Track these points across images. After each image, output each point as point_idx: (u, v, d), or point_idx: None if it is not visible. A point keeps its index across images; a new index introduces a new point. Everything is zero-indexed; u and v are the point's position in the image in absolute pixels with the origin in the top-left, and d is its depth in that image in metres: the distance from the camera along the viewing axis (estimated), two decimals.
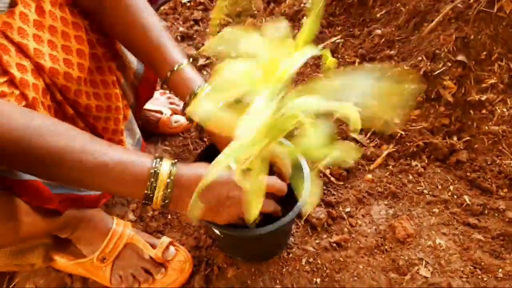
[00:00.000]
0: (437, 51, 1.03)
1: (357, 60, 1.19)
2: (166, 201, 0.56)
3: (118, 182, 0.54)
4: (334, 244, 0.86)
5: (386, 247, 0.85)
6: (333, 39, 1.25)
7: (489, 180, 0.94)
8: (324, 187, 0.95)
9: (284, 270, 0.83)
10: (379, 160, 0.99)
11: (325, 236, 0.87)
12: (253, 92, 0.43)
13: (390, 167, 0.99)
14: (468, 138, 0.99)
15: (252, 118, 0.40)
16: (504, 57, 1.00)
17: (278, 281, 0.82)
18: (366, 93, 0.41)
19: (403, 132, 1.01)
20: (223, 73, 0.43)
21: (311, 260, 0.84)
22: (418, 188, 0.95)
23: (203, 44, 1.30)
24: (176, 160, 0.58)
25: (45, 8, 0.60)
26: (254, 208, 0.51)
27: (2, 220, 0.58)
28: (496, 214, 0.89)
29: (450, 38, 1.02)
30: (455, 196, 0.92)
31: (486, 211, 0.90)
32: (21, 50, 0.58)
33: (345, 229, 0.88)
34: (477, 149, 0.98)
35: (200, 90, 0.66)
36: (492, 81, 1.00)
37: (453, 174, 0.97)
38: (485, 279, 0.79)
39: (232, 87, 0.43)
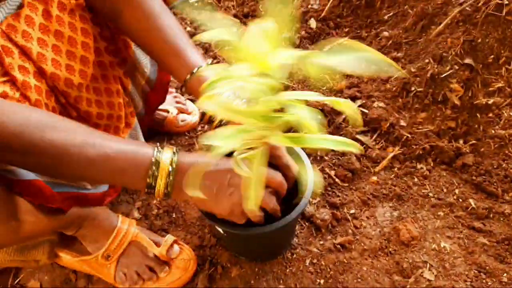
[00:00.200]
0: (444, 54, 1.03)
1: None
2: (168, 190, 0.56)
3: (119, 172, 0.54)
4: (338, 246, 0.86)
5: (390, 249, 0.85)
6: (340, 40, 1.24)
7: (494, 184, 0.93)
8: (329, 188, 0.95)
9: (287, 270, 0.83)
10: (384, 162, 0.99)
11: (329, 237, 0.87)
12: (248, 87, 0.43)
13: (396, 169, 0.98)
14: (474, 141, 0.99)
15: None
16: None
17: (281, 281, 0.82)
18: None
19: (409, 135, 1.00)
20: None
21: (314, 261, 0.84)
22: (423, 191, 0.94)
23: (209, 45, 1.30)
24: (177, 148, 0.58)
25: (52, 13, 0.60)
26: (253, 198, 0.51)
27: (4, 219, 0.58)
28: (502, 218, 0.88)
29: (457, 41, 1.02)
30: (460, 200, 0.92)
31: (491, 215, 0.89)
32: (25, 53, 0.59)
33: (349, 231, 0.88)
34: (483, 153, 0.97)
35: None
36: (499, 84, 1.00)
37: (459, 177, 0.96)
38: (489, 283, 0.79)
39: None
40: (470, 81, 1.01)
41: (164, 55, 0.69)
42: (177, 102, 1.11)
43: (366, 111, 1.05)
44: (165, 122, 1.07)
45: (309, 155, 1.00)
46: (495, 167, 0.95)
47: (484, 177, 0.94)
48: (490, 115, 1.00)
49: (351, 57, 0.40)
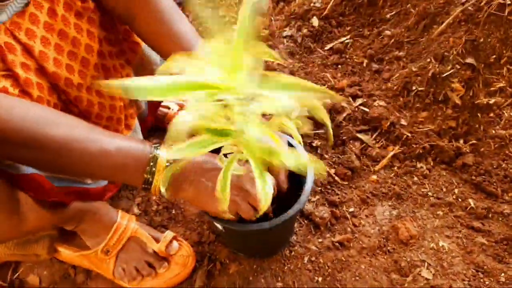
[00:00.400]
0: (446, 53, 1.03)
1: (365, 60, 1.18)
2: (166, 186, 0.56)
3: (119, 168, 0.55)
4: (337, 244, 0.86)
5: (388, 248, 0.85)
6: (342, 39, 1.25)
7: (494, 184, 0.93)
8: (328, 187, 0.95)
9: (286, 267, 0.83)
10: (384, 161, 0.99)
11: (328, 235, 0.88)
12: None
13: (395, 168, 0.98)
14: (474, 141, 0.99)
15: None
16: None
17: (279, 279, 0.82)
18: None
19: (409, 134, 1.00)
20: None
21: (313, 258, 0.84)
22: (422, 190, 0.94)
23: None
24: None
25: (58, 12, 0.61)
26: (224, 200, 0.52)
27: (6, 214, 0.59)
28: (501, 218, 0.88)
29: (459, 41, 1.02)
30: (460, 199, 0.92)
31: (490, 215, 0.89)
32: (27, 50, 0.59)
33: (348, 229, 0.88)
34: (483, 153, 0.97)
35: None
36: (501, 84, 0.99)
37: (459, 177, 0.96)
38: (487, 283, 0.79)
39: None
40: (471, 81, 1.01)
41: None
42: (178, 99, 1.11)
43: (367, 109, 1.05)
44: (166, 119, 1.07)
45: (308, 153, 1.00)
46: (495, 167, 0.95)
47: (484, 177, 0.94)
48: (491, 115, 1.00)
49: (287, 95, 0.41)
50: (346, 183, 0.96)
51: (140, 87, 0.40)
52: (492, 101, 0.99)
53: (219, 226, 0.68)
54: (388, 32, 1.20)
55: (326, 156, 1.00)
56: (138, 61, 0.81)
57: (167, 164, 0.56)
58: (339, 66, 1.20)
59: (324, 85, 1.13)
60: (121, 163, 0.55)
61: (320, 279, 0.82)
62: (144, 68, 0.83)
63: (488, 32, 1.00)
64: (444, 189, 0.94)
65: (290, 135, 0.56)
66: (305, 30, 1.25)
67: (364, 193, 0.94)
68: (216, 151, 0.57)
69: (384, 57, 1.17)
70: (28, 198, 0.62)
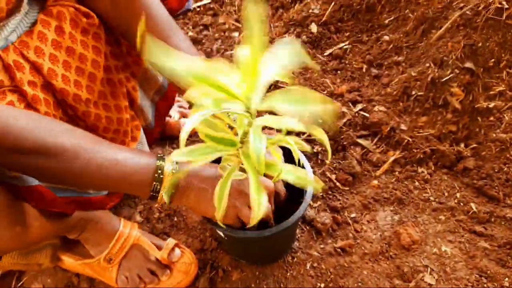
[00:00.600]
0: (445, 58, 1.03)
1: (365, 66, 1.19)
2: (170, 193, 0.58)
3: (125, 178, 0.56)
4: (339, 249, 0.86)
5: (391, 253, 0.85)
6: (341, 44, 1.25)
7: (496, 188, 0.93)
8: (330, 192, 0.95)
9: (288, 274, 0.83)
10: (385, 166, 0.99)
11: (329, 241, 0.88)
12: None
13: (396, 173, 0.99)
14: (475, 145, 0.99)
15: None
16: None
17: (282, 285, 0.82)
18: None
19: (410, 139, 1.00)
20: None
21: (315, 264, 0.84)
22: (424, 194, 0.94)
23: (211, 50, 1.31)
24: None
25: (65, 29, 0.62)
26: (220, 210, 0.54)
27: (10, 225, 0.59)
28: (503, 222, 0.88)
29: (458, 45, 1.02)
30: (462, 204, 0.92)
31: (492, 219, 0.89)
32: (36, 68, 0.60)
33: (350, 235, 0.88)
34: (484, 157, 0.97)
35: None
36: (500, 88, 1.00)
37: (460, 181, 0.96)
38: (490, 287, 0.78)
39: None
40: (470, 85, 1.01)
41: None
42: (179, 107, 1.12)
43: (367, 115, 1.06)
44: (167, 127, 1.07)
45: (309, 158, 1.00)
46: (496, 171, 0.95)
47: (485, 181, 0.94)
48: (491, 118, 1.00)
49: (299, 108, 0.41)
50: (347, 188, 0.96)
51: (173, 67, 0.42)
52: (492, 105, 0.99)
53: (221, 233, 0.68)
54: (386, 38, 1.20)
55: (327, 162, 1.00)
56: (142, 74, 0.82)
57: (172, 171, 0.57)
58: (338, 71, 1.20)
59: (324, 91, 1.14)
60: (129, 173, 0.56)
61: (322, 285, 0.81)
62: (148, 81, 0.84)
63: (486, 36, 1.01)
64: (446, 194, 0.94)
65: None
66: (304, 37, 1.26)
67: (366, 199, 0.94)
68: (217, 161, 0.58)
69: (383, 62, 1.18)
70: (32, 209, 0.63)
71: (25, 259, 0.79)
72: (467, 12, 1.03)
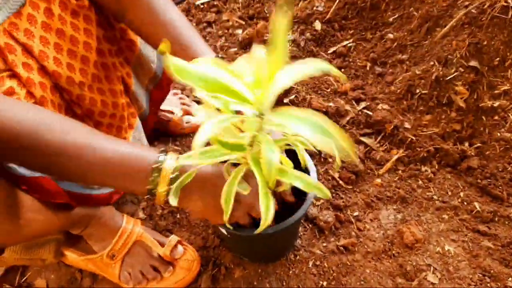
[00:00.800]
0: (449, 56, 1.03)
1: (369, 64, 1.18)
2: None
3: (120, 177, 0.53)
4: (342, 248, 0.86)
5: (393, 252, 0.85)
6: (345, 42, 1.25)
7: (500, 187, 0.93)
8: (333, 191, 0.95)
9: (290, 272, 0.83)
10: (388, 165, 0.99)
11: (332, 239, 0.88)
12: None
13: (400, 171, 0.98)
14: (479, 144, 0.98)
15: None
16: None
17: (284, 283, 0.82)
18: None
19: (413, 137, 1.00)
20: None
21: (318, 263, 0.84)
22: (427, 193, 0.94)
23: (215, 47, 1.31)
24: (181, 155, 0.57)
25: (54, 11, 0.61)
26: (226, 211, 0.53)
27: (12, 218, 0.58)
28: (507, 222, 0.88)
29: (463, 44, 1.02)
30: (465, 203, 0.92)
31: (496, 219, 0.89)
32: (27, 50, 0.59)
33: (353, 233, 0.88)
34: (488, 156, 0.97)
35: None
36: (505, 87, 0.99)
37: (464, 180, 0.96)
38: (494, 287, 0.78)
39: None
40: (475, 84, 1.01)
41: (171, 49, 0.69)
42: (182, 104, 1.12)
43: (370, 113, 1.05)
44: (170, 124, 1.07)
45: (312, 157, 1.00)
46: (500, 170, 0.95)
47: (489, 180, 0.94)
48: (496, 117, 0.99)
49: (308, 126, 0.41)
50: (350, 187, 0.96)
51: (184, 67, 0.43)
52: (496, 104, 0.99)
53: (223, 231, 0.68)
54: (391, 36, 1.20)
55: (330, 160, 1.00)
56: (135, 60, 0.81)
57: (174, 174, 0.54)
58: (342, 69, 1.20)
59: (327, 88, 1.14)
60: (122, 172, 0.53)
61: (325, 283, 0.81)
62: (142, 67, 0.84)
63: (491, 35, 1.00)
64: (449, 193, 0.94)
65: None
66: (308, 34, 1.26)
67: (369, 197, 0.94)
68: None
69: (387, 60, 1.17)
70: (35, 201, 0.62)
71: (29, 254, 0.79)
72: (472, 10, 1.03)
